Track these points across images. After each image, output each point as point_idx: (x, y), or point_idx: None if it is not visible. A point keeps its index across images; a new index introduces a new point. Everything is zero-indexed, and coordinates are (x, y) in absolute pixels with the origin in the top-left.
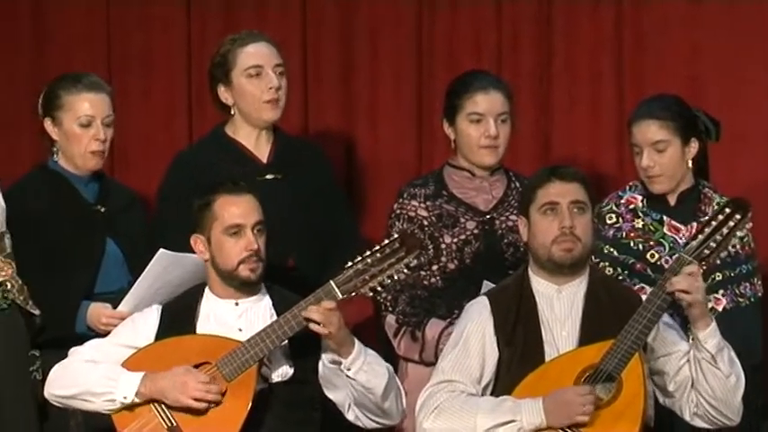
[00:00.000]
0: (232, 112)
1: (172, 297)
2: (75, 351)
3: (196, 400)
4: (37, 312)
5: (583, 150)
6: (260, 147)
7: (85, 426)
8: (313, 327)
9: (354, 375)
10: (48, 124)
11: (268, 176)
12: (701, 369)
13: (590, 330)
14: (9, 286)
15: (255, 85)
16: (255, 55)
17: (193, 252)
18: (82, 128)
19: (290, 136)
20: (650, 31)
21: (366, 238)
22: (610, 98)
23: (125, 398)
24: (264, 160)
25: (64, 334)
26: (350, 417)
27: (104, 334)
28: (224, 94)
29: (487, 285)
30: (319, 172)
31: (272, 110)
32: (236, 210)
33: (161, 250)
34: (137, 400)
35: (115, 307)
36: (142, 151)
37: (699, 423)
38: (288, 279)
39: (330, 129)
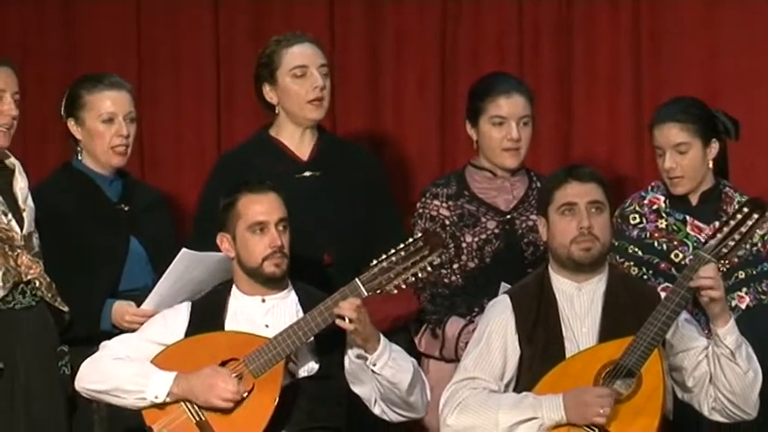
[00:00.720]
0: (277, 111)
1: (195, 295)
2: (105, 345)
3: (224, 400)
4: (66, 309)
5: (602, 151)
6: (302, 145)
7: (109, 421)
8: (340, 323)
9: (380, 371)
10: (71, 124)
11: (306, 174)
12: (720, 365)
13: (610, 327)
14: (37, 284)
15: (300, 85)
16: (300, 55)
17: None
18: (104, 125)
19: (335, 136)
20: (668, 33)
21: None
22: (628, 100)
23: (156, 397)
24: (305, 158)
25: (89, 332)
26: (376, 411)
27: (129, 331)
28: (269, 93)
29: (504, 287)
30: (362, 171)
31: (316, 109)
32: (259, 207)
33: (183, 249)
34: (167, 400)
35: (139, 305)
36: (171, 152)
37: (717, 417)
38: (323, 275)
39: (356, 129)
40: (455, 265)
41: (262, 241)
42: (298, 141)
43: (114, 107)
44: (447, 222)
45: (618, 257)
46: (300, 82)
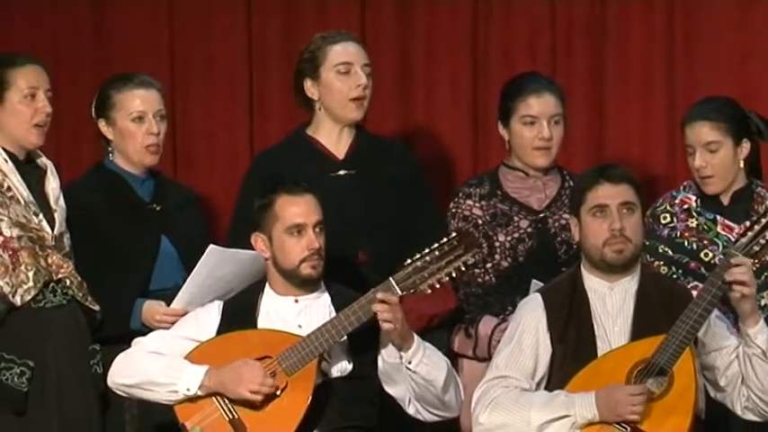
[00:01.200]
0: (318, 108)
1: (226, 293)
2: (138, 341)
3: (253, 392)
4: (97, 308)
5: (634, 151)
6: (339, 144)
7: (140, 420)
8: (382, 317)
9: (415, 368)
10: (102, 125)
11: (341, 172)
12: (751, 364)
13: (641, 326)
14: (68, 283)
15: (344, 82)
16: (346, 52)
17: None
18: (135, 124)
19: (374, 135)
20: (701, 34)
21: None
22: (661, 100)
23: (188, 390)
24: (341, 157)
25: (119, 331)
26: (410, 411)
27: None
28: (310, 89)
29: (536, 284)
30: (399, 168)
31: (356, 109)
32: (297, 209)
33: (211, 245)
34: (200, 393)
35: (169, 304)
36: (204, 152)
37: (750, 417)
38: (358, 273)
39: (388, 130)
40: (488, 265)
41: (299, 243)
42: (335, 140)
43: (144, 105)
44: (480, 222)
45: (648, 257)
46: (344, 79)
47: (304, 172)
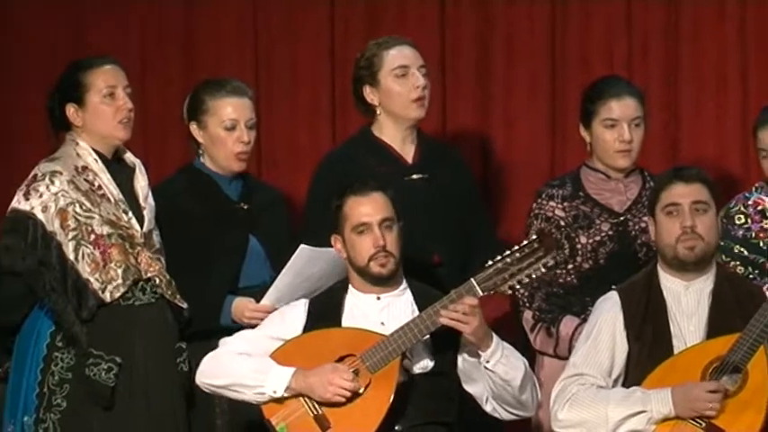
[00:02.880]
0: (378, 113)
1: (313, 291)
2: (225, 342)
3: (341, 396)
4: (184, 306)
5: (709, 152)
6: (405, 147)
7: (230, 413)
8: (454, 325)
9: (493, 368)
10: (193, 128)
11: (414, 177)
12: None
13: (716, 324)
14: (157, 281)
15: (402, 85)
16: (401, 56)
17: None
18: (226, 131)
19: (430, 137)
20: None
21: (500, 236)
22: (735, 102)
23: (275, 392)
24: (410, 160)
25: (209, 327)
26: (487, 408)
27: (248, 327)
28: (370, 95)
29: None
30: (460, 173)
31: (418, 108)
32: (363, 209)
33: (301, 245)
34: (286, 395)
35: (258, 301)
36: (288, 153)
37: None
38: (433, 275)
39: (467, 130)
40: (570, 266)
41: (366, 242)
42: (401, 143)
43: (236, 114)
44: (562, 223)
45: (724, 257)
46: (402, 82)
47: (379, 175)
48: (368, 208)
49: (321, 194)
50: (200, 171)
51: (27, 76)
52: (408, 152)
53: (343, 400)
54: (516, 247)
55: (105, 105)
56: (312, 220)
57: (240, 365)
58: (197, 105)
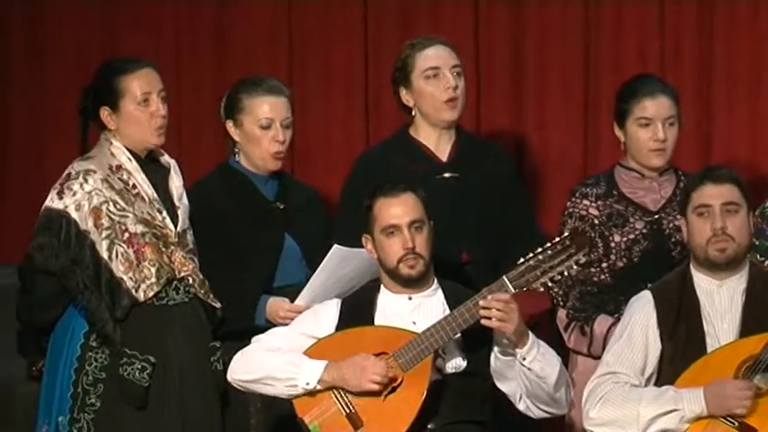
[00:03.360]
0: (413, 114)
1: (346, 291)
2: (258, 339)
3: (374, 383)
4: (218, 305)
5: (742, 153)
6: (440, 146)
7: (264, 412)
8: (487, 322)
9: (530, 365)
10: (230, 126)
11: (446, 175)
12: None
13: (750, 323)
14: (191, 281)
15: (434, 86)
16: (432, 57)
17: None
18: (262, 130)
19: (474, 136)
20: None
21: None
22: None
23: (308, 384)
24: (444, 159)
25: (244, 327)
26: (521, 407)
27: (282, 326)
28: (405, 96)
29: None
30: (499, 171)
31: (450, 109)
32: (392, 210)
33: (335, 245)
34: (318, 387)
35: (292, 301)
36: (321, 151)
37: None
38: (462, 273)
39: (501, 130)
40: (604, 264)
41: (395, 243)
42: (436, 142)
43: (272, 113)
44: (596, 222)
45: (759, 256)
46: (434, 83)
47: (410, 174)
48: (397, 209)
49: (354, 194)
50: (236, 170)
51: (59, 76)
52: (444, 151)
53: (377, 388)
54: (548, 245)
55: (139, 112)
56: (344, 219)
57: (273, 359)
58: (234, 103)
